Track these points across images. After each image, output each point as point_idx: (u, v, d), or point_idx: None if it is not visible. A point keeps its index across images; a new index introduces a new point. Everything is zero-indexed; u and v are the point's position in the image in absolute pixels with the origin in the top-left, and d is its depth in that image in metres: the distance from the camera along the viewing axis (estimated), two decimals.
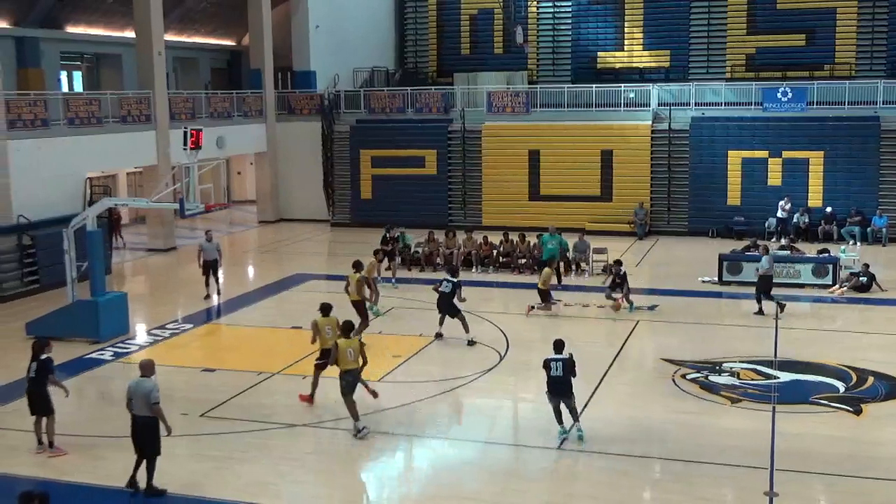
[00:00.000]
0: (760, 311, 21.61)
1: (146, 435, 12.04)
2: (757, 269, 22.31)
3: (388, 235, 27.43)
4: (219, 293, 24.24)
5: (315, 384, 15.46)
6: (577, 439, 13.72)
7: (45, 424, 13.48)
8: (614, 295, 22.19)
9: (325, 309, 15.52)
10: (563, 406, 13.82)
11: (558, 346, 14.04)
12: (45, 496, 9.01)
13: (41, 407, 13.45)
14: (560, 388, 13.72)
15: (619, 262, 22.75)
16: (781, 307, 21.68)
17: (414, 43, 46.10)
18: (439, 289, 19.55)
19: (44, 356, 13.40)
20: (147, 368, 12.28)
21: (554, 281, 23.31)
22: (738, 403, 15.56)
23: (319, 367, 15.26)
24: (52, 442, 13.51)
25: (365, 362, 14.30)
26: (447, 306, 19.44)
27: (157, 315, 22.48)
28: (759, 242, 26.07)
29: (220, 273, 24.69)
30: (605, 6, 43.26)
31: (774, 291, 21.82)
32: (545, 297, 21.80)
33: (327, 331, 15.09)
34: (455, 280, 19.64)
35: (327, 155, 37.62)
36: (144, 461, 12.13)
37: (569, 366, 13.71)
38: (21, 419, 13.62)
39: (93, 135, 28.53)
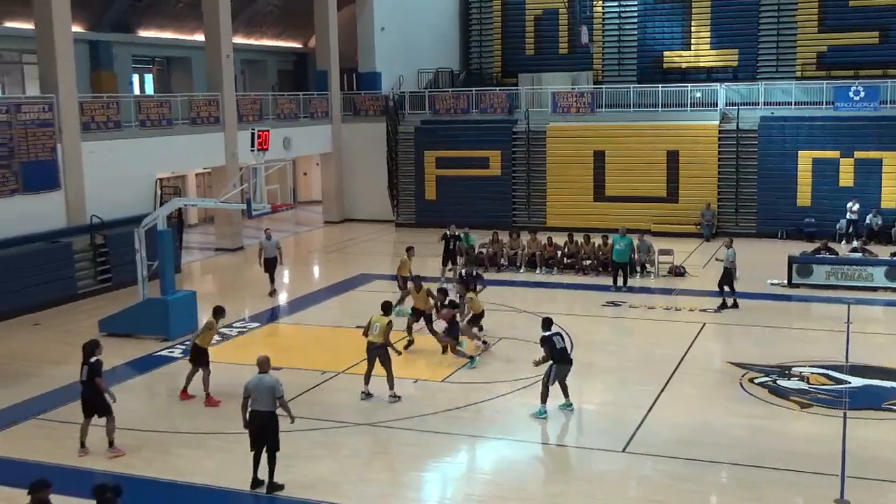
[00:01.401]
0: (724, 305, 22.12)
1: (269, 430, 12.21)
2: (716, 259, 22.62)
3: (447, 234, 26.01)
4: (274, 293, 24.62)
5: (189, 379, 16.19)
6: (570, 410, 15.08)
7: (105, 424, 13.55)
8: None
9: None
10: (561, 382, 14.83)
11: (548, 323, 15.18)
12: (119, 488, 9.32)
13: (95, 408, 13.57)
14: (568, 357, 14.96)
15: (452, 304, 19.12)
16: (724, 306, 21.99)
17: (479, 44, 46.04)
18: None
19: (93, 359, 13.55)
20: (265, 364, 12.51)
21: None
22: (808, 409, 15.27)
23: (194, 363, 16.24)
24: (112, 441, 13.62)
25: (388, 343, 15.59)
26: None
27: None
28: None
29: (277, 272, 24.98)
30: (672, 5, 42.64)
31: (847, 294, 21.32)
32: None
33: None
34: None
35: (392, 156, 37.80)
36: (259, 457, 12.30)
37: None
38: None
39: (163, 136, 29.09)
